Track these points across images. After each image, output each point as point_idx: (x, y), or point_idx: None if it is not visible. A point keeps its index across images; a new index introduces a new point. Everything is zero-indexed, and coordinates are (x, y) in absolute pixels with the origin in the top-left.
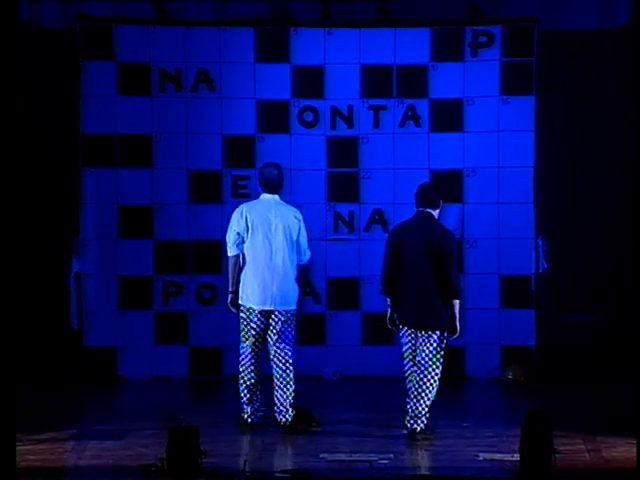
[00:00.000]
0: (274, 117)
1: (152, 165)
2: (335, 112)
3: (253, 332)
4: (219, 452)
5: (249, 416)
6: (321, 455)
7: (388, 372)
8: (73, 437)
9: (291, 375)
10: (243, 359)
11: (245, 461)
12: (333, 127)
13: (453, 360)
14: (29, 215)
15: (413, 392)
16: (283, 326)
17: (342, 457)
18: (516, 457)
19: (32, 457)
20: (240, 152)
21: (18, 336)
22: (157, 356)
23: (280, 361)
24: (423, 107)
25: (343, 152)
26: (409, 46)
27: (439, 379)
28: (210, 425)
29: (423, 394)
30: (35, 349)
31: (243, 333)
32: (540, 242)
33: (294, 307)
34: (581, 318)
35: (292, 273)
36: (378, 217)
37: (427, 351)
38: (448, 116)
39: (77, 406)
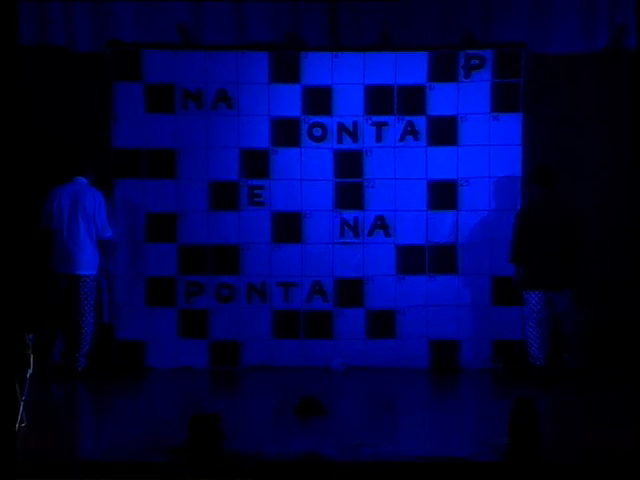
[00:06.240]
0: (286, 132)
1: (176, 176)
2: (341, 128)
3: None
4: (238, 436)
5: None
6: (329, 440)
7: (390, 363)
8: (104, 421)
9: (86, 328)
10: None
11: (260, 445)
12: (340, 141)
13: (448, 352)
14: None
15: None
16: (86, 288)
17: (349, 443)
18: (504, 441)
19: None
20: (255, 164)
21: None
22: (181, 348)
23: (82, 316)
24: (421, 123)
25: (349, 164)
26: (408, 68)
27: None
28: (228, 411)
29: (562, 338)
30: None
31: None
32: None
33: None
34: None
35: (91, 243)
36: (380, 223)
37: (565, 305)
38: (444, 131)
39: (108, 393)
